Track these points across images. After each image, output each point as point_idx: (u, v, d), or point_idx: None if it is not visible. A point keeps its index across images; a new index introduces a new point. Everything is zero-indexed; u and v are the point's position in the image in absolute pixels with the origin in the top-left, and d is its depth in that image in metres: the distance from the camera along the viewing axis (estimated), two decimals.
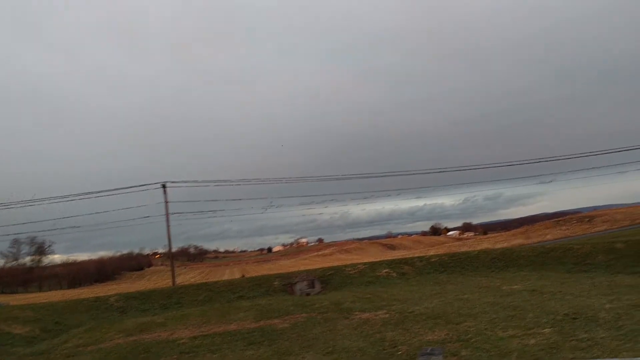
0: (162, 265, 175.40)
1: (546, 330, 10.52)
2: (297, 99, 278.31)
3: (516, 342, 9.84)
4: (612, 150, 49.15)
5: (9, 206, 40.00)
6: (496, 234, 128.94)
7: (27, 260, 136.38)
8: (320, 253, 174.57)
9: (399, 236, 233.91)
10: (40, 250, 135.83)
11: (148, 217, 44.24)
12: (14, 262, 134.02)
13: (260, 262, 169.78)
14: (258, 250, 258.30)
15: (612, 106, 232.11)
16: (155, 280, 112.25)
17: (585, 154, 49.68)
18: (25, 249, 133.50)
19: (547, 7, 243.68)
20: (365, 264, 33.38)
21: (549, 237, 62.70)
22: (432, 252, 57.78)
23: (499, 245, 58.26)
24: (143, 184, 40.22)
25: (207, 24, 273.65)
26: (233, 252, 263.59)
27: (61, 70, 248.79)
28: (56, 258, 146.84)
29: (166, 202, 39.33)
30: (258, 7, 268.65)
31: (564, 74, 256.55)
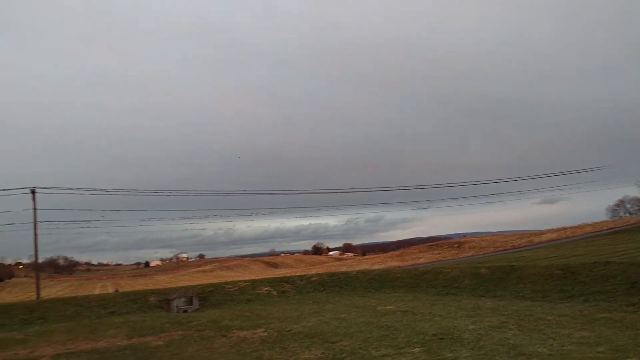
0: (25, 277, 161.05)
1: (416, 349, 11.05)
2: (189, 112, 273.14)
3: None
4: (482, 182, 53.36)
5: None
6: (374, 256, 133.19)
7: None
8: (200, 269, 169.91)
9: (282, 254, 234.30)
10: None
11: (12, 224, 40.64)
12: None
13: (136, 277, 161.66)
14: (134, 264, 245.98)
15: (482, 142, 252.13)
16: (16, 292, 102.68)
17: (459, 184, 53.47)
18: None
19: (429, 44, 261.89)
20: (246, 281, 33.09)
21: (422, 260, 65.72)
22: (313, 271, 58.49)
23: (376, 267, 60.30)
24: (8, 188, 36.88)
25: (102, 29, 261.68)
26: (107, 265, 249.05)
27: None
28: None
29: (35, 208, 36.47)
30: (155, 17, 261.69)
31: (442, 107, 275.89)
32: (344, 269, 65.17)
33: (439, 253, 73.95)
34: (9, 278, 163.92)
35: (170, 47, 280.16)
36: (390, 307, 19.97)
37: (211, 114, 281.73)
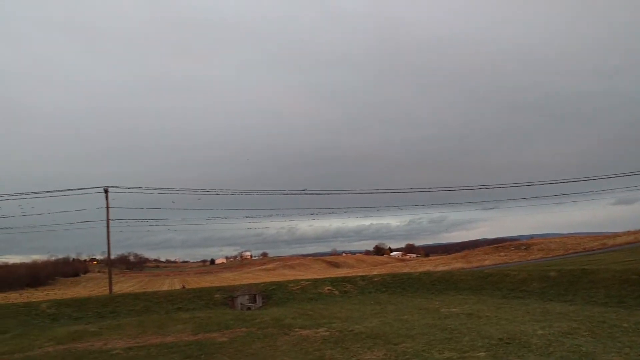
0: (99, 272, 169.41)
1: (481, 354, 10.77)
2: (250, 113, 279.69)
3: None
4: (551, 182, 51.28)
5: None
6: (438, 257, 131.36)
7: None
8: (264, 267, 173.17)
9: (343, 254, 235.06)
10: None
11: (87, 221, 42.82)
12: None
13: (202, 274, 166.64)
14: (200, 261, 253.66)
15: (550, 141, 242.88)
16: (91, 287, 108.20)
17: (526, 184, 51.65)
18: None
19: (495, 39, 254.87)
20: (308, 280, 33.36)
21: (487, 262, 64.22)
22: (374, 272, 58.27)
23: (439, 268, 59.37)
24: (83, 187, 38.93)
25: (166, 34, 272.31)
26: (174, 262, 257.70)
27: (11, 66, 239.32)
28: None
29: (107, 207, 38.21)
30: (218, 21, 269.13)
31: (508, 106, 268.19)
32: (406, 270, 64.55)
33: (505, 255, 72.05)
34: (84, 273, 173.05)
35: (233, 49, 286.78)
36: (454, 309, 19.59)
37: (272, 114, 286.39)
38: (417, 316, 18.10)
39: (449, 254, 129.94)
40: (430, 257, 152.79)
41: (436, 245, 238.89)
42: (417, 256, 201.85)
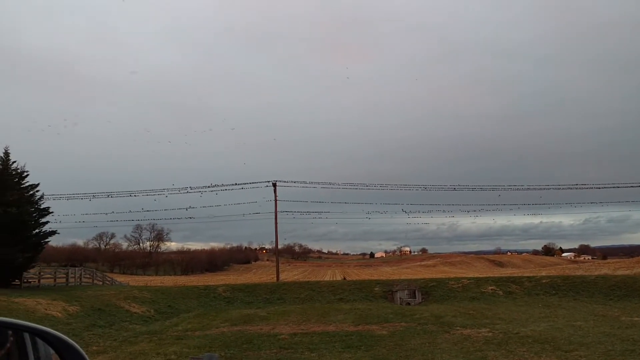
0: (267, 260, 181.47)
1: None
2: (410, 108, 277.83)
3: None
4: None
5: (133, 194, 43.77)
6: (617, 260, 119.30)
7: (147, 245, 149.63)
8: (422, 263, 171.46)
9: (508, 253, 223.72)
10: (159, 237, 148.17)
11: (258, 213, 46.16)
12: (136, 245, 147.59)
13: (362, 267, 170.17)
14: (360, 254, 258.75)
15: None
16: (260, 274, 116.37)
17: None
18: (146, 234, 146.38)
19: None
20: (470, 278, 32.37)
21: None
22: (543, 273, 54.63)
23: (619, 272, 53.75)
24: (255, 181, 42.01)
25: (326, 32, 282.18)
26: (336, 253, 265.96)
27: (197, 71, 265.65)
28: (172, 245, 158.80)
29: (276, 200, 40.73)
30: (378, 16, 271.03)
31: None
32: (579, 272, 59.55)
33: None
34: (255, 260, 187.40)
35: (393, 44, 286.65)
36: (637, 318, 17.63)
37: (429, 108, 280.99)
38: (592, 323, 16.62)
39: (632, 256, 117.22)
40: (609, 260, 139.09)
41: (616, 247, 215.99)
42: (592, 258, 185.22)
